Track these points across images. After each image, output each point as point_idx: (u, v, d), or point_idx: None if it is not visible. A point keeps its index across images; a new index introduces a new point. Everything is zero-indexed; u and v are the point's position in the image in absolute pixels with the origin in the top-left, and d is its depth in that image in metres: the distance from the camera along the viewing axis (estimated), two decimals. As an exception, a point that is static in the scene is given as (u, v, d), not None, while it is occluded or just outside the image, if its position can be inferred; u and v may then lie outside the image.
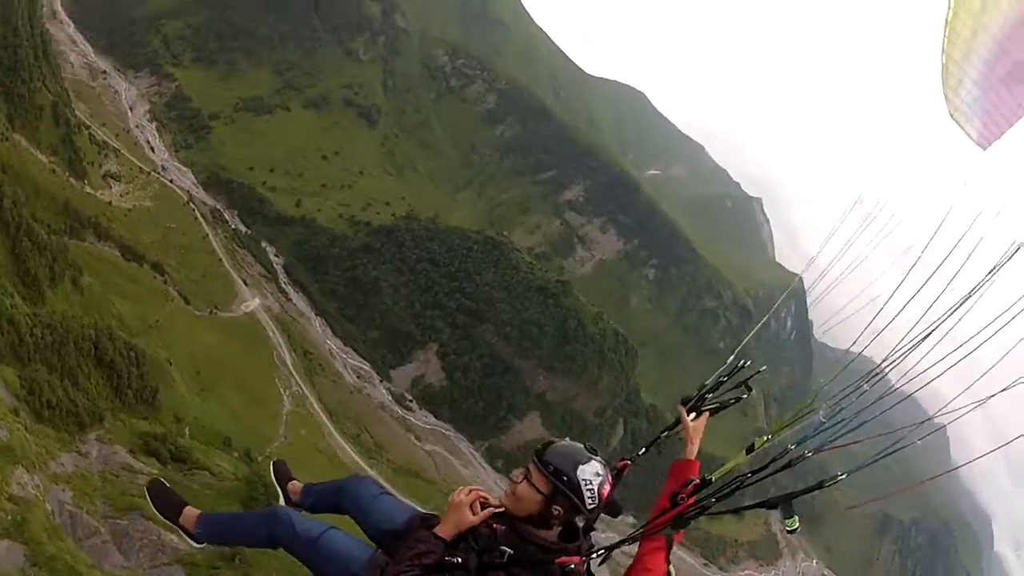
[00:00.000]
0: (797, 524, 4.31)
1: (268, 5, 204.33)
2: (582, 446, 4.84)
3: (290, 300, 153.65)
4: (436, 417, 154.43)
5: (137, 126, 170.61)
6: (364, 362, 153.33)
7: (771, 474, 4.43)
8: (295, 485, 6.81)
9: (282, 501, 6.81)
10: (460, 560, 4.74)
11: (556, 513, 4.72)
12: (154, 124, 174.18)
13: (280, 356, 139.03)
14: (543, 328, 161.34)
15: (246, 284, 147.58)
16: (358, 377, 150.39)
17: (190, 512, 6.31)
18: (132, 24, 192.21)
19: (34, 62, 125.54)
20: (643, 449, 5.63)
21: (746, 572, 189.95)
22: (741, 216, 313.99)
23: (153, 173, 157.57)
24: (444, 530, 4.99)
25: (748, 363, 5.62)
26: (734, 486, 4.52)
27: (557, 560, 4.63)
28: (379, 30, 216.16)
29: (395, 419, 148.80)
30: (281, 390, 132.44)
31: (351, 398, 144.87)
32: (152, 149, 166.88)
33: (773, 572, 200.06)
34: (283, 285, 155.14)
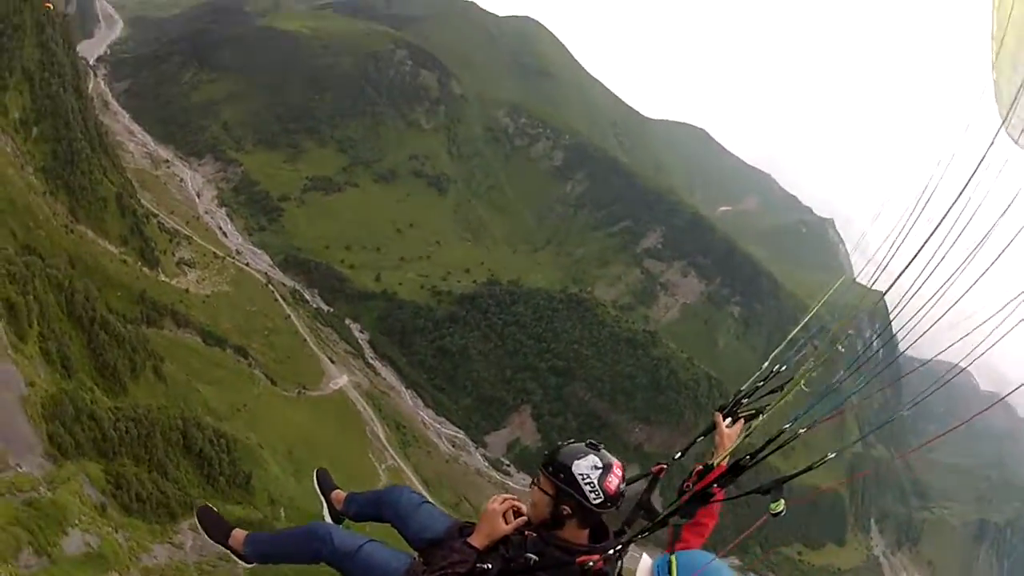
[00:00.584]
0: (783, 507, 4.18)
1: (322, 84, 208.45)
2: (583, 444, 4.85)
3: (379, 374, 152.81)
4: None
5: (207, 212, 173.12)
6: (458, 430, 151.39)
7: (767, 455, 4.42)
8: (338, 494, 6.96)
9: (326, 510, 6.95)
10: (489, 567, 4.78)
11: (565, 513, 4.77)
12: (224, 209, 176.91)
13: (373, 431, 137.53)
14: (635, 380, 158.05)
15: (332, 362, 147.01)
16: (453, 446, 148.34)
17: (238, 534, 6.55)
18: (186, 113, 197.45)
19: (92, 154, 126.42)
20: (679, 454, 5.48)
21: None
22: (816, 240, 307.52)
23: (228, 258, 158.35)
24: (478, 539, 5.07)
25: (784, 367, 5.59)
26: (735, 472, 4.57)
27: (577, 560, 4.65)
28: (437, 98, 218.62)
29: (493, 484, 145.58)
30: (376, 464, 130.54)
31: (447, 467, 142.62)
32: (224, 234, 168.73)
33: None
34: (370, 360, 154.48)
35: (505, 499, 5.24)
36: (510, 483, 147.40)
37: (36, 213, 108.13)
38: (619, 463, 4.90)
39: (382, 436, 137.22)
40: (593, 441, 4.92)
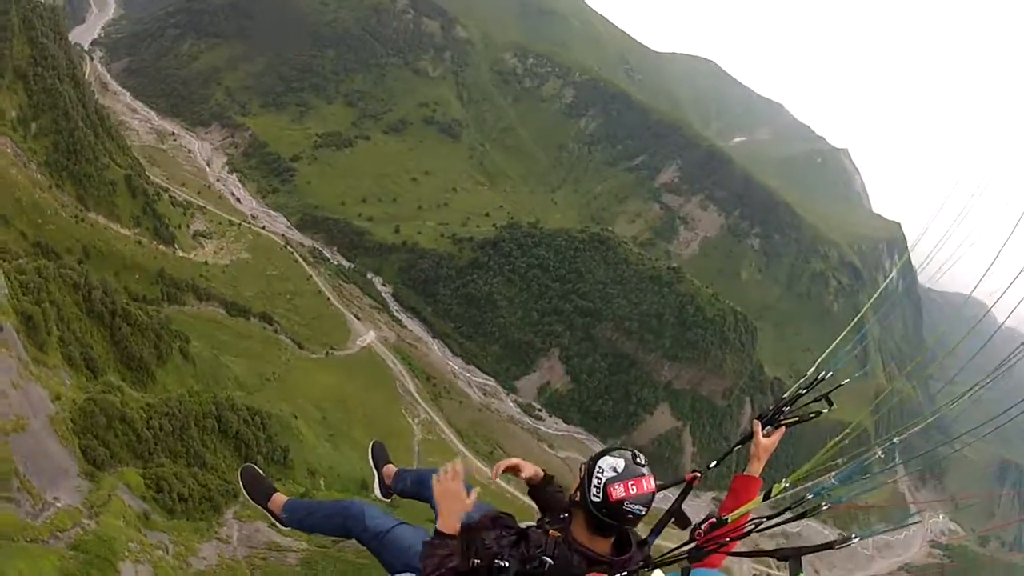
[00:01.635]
0: None
1: (323, 41, 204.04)
2: (630, 450, 4.72)
3: (405, 327, 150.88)
4: (566, 422, 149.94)
5: (218, 180, 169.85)
6: (488, 378, 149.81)
7: (785, 522, 4.37)
8: (390, 469, 7.03)
9: (376, 483, 7.00)
10: (507, 564, 4.73)
11: (575, 499, 4.74)
12: (235, 175, 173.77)
13: (404, 386, 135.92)
14: (662, 318, 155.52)
15: (358, 319, 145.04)
16: (484, 394, 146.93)
17: (279, 498, 6.66)
18: (187, 84, 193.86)
19: (95, 140, 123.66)
20: (714, 463, 5.49)
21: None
22: (832, 170, 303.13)
23: (244, 223, 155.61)
24: (446, 523, 5.03)
25: (829, 374, 5.44)
26: (749, 529, 4.56)
27: (587, 575, 4.59)
28: (442, 45, 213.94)
29: (526, 431, 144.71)
30: (410, 420, 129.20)
31: (480, 416, 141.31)
32: (238, 200, 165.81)
33: (904, 534, 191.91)
34: (395, 313, 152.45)
35: (454, 472, 5.23)
36: (543, 428, 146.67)
37: (44, 208, 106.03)
38: (648, 486, 4.57)
39: (413, 390, 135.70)
40: (637, 454, 4.68)
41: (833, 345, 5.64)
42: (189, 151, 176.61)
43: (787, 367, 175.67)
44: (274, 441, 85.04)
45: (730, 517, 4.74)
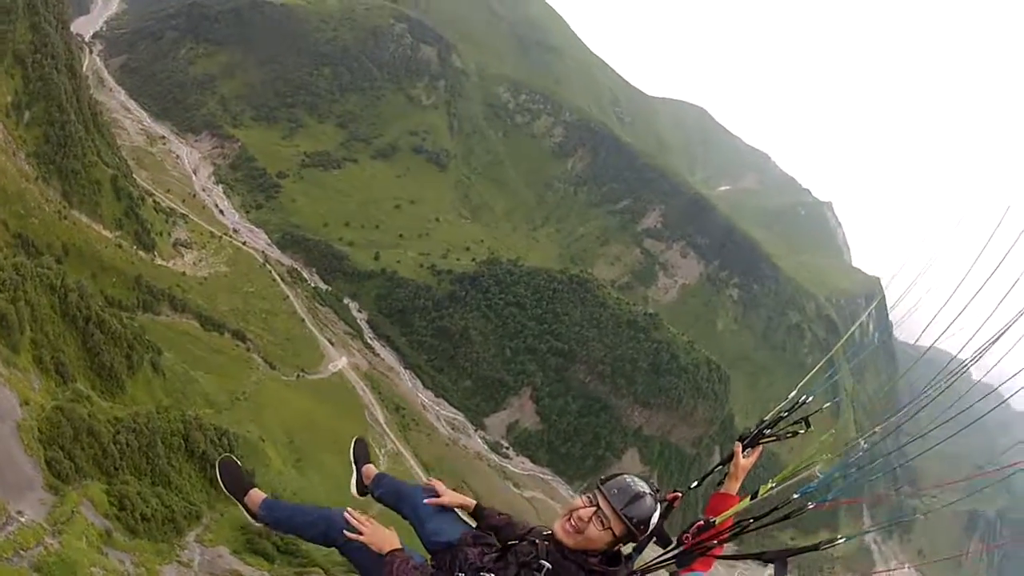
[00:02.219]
0: None
1: (320, 59, 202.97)
2: (648, 490, 4.76)
3: (378, 355, 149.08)
4: (533, 462, 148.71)
5: (203, 190, 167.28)
6: (458, 413, 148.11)
7: (772, 523, 4.51)
8: (369, 469, 7.00)
9: (354, 480, 6.96)
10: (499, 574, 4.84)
11: (618, 550, 4.85)
12: (220, 187, 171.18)
13: (372, 414, 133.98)
14: (636, 363, 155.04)
15: (331, 343, 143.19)
16: (452, 429, 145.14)
17: (256, 495, 6.59)
18: (182, 88, 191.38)
19: (86, 136, 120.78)
20: (696, 483, 5.61)
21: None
22: (815, 223, 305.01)
23: (225, 236, 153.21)
24: (391, 547, 5.41)
25: (810, 399, 5.56)
26: (736, 530, 4.67)
27: None
28: (437, 73, 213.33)
29: (492, 468, 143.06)
30: (377, 450, 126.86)
31: (447, 451, 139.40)
32: (221, 212, 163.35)
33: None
34: (369, 340, 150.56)
35: (365, 520, 5.54)
36: (509, 466, 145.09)
37: (28, 200, 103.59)
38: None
39: (382, 419, 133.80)
40: (656, 488, 4.81)
41: (815, 371, 5.91)
42: (177, 157, 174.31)
43: (758, 418, 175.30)
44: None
45: (717, 519, 4.80)
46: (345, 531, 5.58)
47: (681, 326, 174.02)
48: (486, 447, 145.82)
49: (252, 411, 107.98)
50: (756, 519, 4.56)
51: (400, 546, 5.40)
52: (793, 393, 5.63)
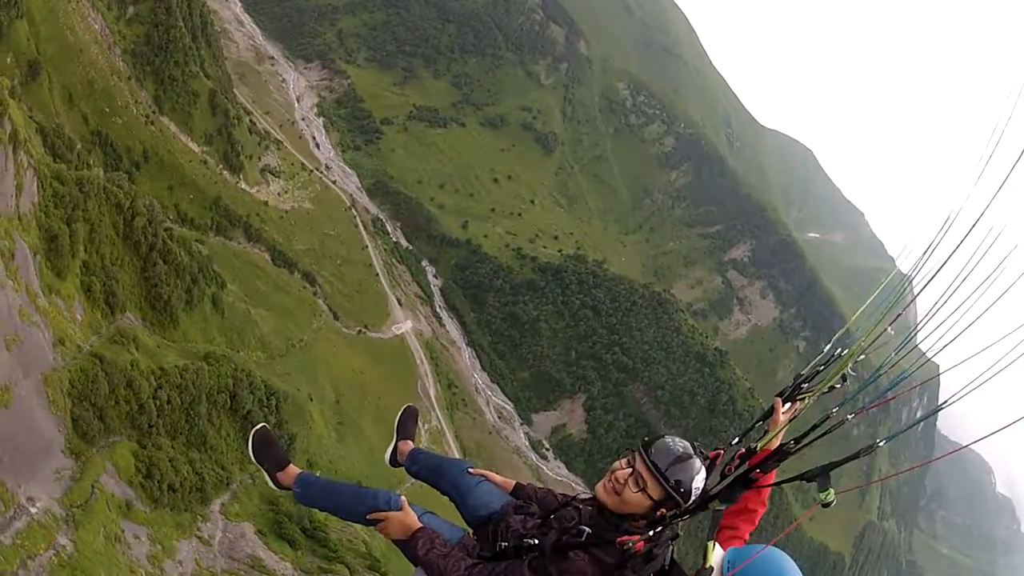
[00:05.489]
0: (832, 497, 3.88)
1: (447, 14, 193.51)
2: (693, 450, 4.44)
3: (443, 326, 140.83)
4: (569, 469, 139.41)
5: (303, 119, 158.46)
6: (508, 402, 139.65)
7: (813, 440, 4.17)
8: (406, 444, 6.56)
9: (389, 450, 6.53)
10: (536, 542, 4.66)
11: (660, 514, 4.51)
12: (322, 120, 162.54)
13: (424, 387, 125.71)
14: (694, 397, 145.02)
15: (400, 304, 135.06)
16: (499, 417, 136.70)
17: (292, 470, 6.08)
18: (303, 13, 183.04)
19: (191, 44, 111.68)
20: (737, 439, 5.00)
21: None
22: (892, 294, 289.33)
23: (316, 172, 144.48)
24: (413, 525, 5.16)
25: (845, 351, 5.00)
26: (779, 456, 4.27)
27: (617, 539, 4.40)
28: (561, 56, 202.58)
29: (528, 466, 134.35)
30: (420, 424, 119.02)
31: (488, 439, 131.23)
32: (317, 146, 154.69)
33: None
34: (438, 309, 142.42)
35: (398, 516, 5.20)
36: (544, 468, 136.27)
37: (115, 98, 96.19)
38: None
39: (432, 394, 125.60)
40: (701, 447, 4.46)
41: (851, 322, 5.30)
42: (283, 80, 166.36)
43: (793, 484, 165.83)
44: (284, 427, 75.85)
45: (759, 445, 4.45)
46: (367, 516, 5.25)
47: (744, 367, 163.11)
48: (527, 443, 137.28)
49: (305, 363, 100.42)
50: (796, 440, 4.02)
51: (422, 525, 5.10)
52: (828, 346, 5.12)
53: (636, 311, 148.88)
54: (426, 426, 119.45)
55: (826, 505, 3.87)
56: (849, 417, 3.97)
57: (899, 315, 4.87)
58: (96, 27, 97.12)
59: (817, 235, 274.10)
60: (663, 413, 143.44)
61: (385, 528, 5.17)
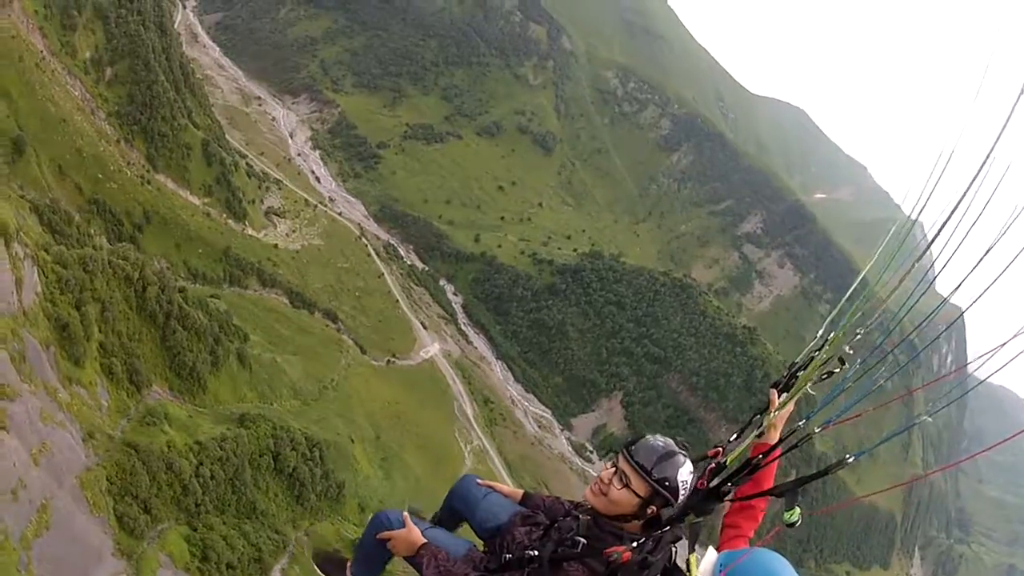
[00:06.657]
0: (797, 517, 3.88)
1: (426, 30, 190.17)
2: (675, 445, 4.36)
3: (471, 343, 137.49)
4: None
5: (299, 154, 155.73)
6: (546, 410, 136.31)
7: (782, 454, 4.26)
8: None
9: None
10: (535, 553, 4.57)
11: (650, 512, 4.43)
12: (318, 152, 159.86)
13: (461, 407, 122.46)
14: (729, 378, 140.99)
15: (424, 327, 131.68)
16: (539, 427, 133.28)
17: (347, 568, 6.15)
18: (281, 49, 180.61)
19: (176, 96, 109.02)
20: (735, 436, 5.01)
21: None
22: (904, 242, 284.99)
23: (321, 206, 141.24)
24: (417, 542, 5.08)
25: (840, 333, 4.91)
26: (748, 469, 4.27)
27: (603, 551, 4.29)
28: (546, 54, 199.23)
29: (574, 471, 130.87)
30: (462, 445, 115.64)
31: (531, 450, 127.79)
32: (318, 179, 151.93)
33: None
34: (463, 327, 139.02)
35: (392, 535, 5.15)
36: (591, 471, 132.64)
37: (107, 163, 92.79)
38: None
39: (470, 413, 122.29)
40: (684, 441, 4.35)
41: (841, 304, 5.07)
42: (273, 119, 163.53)
43: (832, 442, 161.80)
44: (330, 477, 72.76)
45: (728, 460, 4.31)
46: (377, 536, 5.24)
47: (771, 338, 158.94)
48: (570, 449, 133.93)
49: (340, 402, 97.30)
50: (764, 455, 4.05)
51: (421, 539, 5.02)
52: (820, 332, 4.95)
53: (660, 300, 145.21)
54: (468, 447, 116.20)
55: (790, 525, 3.77)
56: (817, 430, 3.82)
57: (913, 265, 4.37)
58: (76, 94, 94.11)
59: (824, 195, 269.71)
60: (701, 399, 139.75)
61: (394, 547, 5.05)
